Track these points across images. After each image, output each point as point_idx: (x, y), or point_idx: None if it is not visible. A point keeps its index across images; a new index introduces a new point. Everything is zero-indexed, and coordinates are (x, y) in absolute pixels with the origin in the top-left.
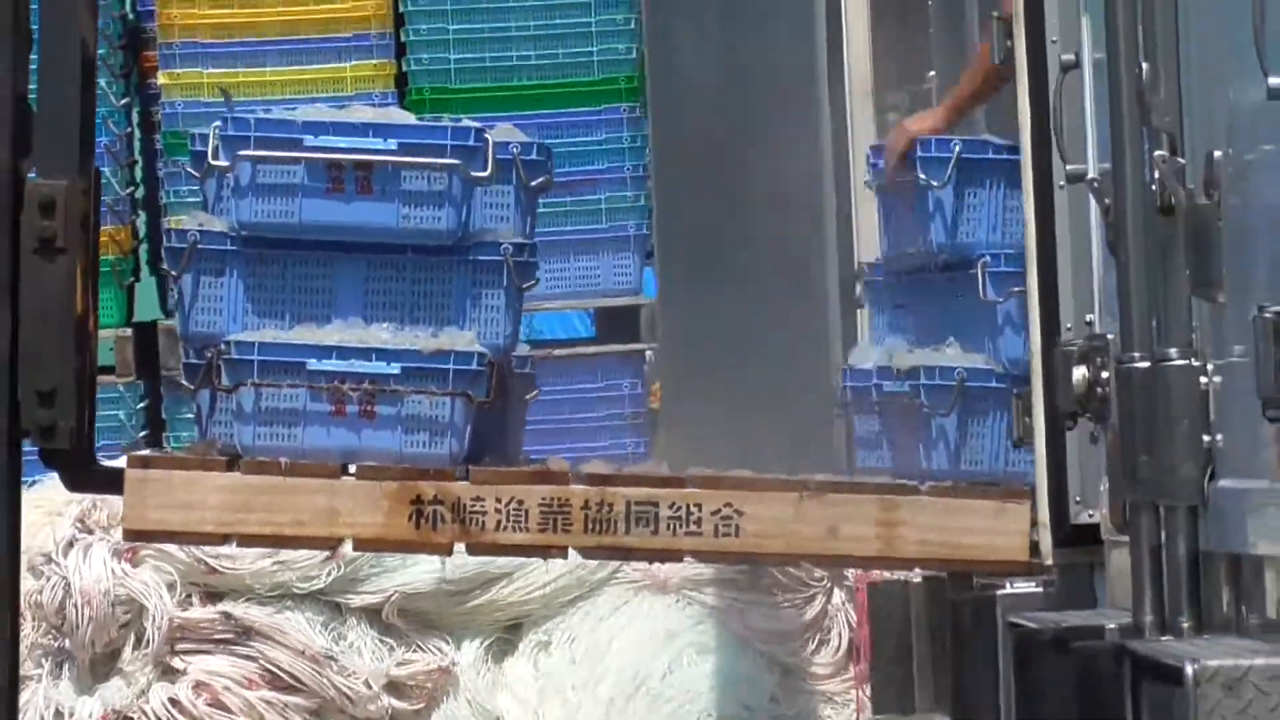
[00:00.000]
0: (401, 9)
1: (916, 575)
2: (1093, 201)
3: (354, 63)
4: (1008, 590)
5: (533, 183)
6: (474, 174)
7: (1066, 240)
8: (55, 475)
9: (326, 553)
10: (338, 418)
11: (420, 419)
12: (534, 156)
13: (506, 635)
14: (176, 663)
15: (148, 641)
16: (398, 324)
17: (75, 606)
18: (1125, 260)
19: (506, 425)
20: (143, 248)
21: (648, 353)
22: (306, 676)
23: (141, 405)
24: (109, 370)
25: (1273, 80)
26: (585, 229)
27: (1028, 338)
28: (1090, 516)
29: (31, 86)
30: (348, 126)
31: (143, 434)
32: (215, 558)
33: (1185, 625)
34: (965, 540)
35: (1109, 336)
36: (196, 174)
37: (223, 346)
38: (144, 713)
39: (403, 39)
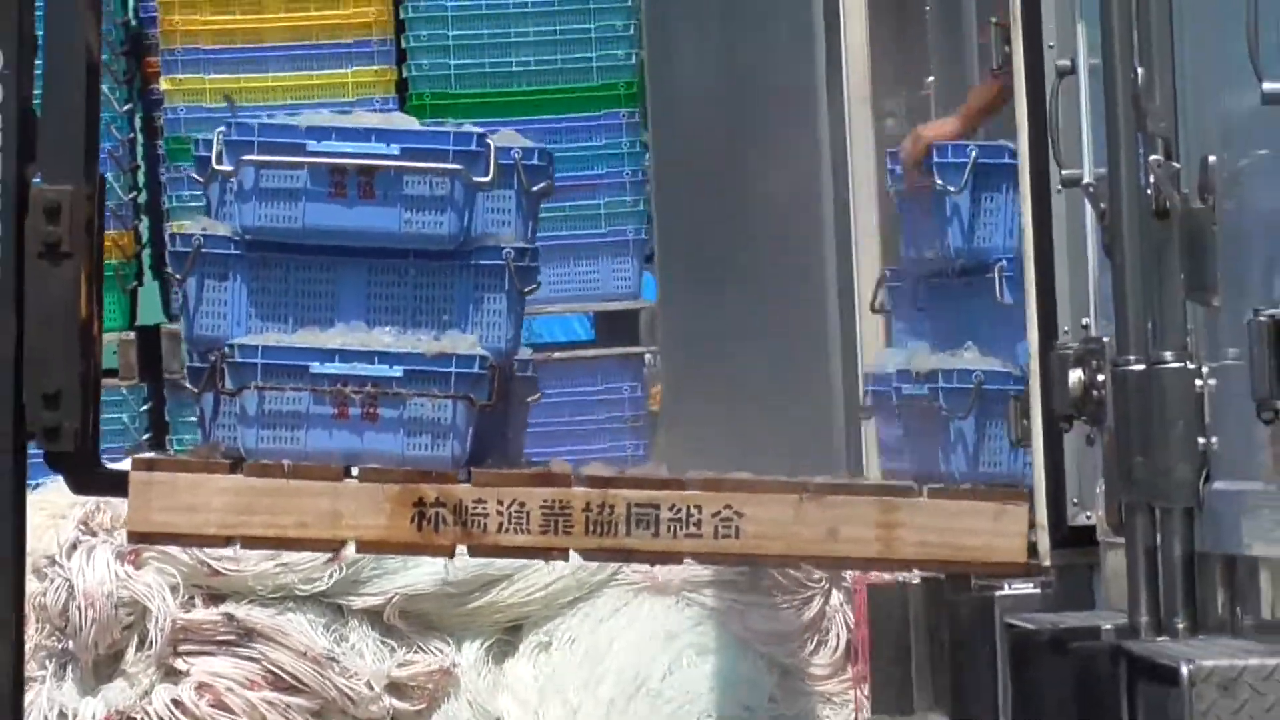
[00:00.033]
0: (402, 15)
1: (915, 577)
2: (1088, 206)
3: (355, 68)
4: (1006, 591)
5: (534, 188)
6: (476, 179)
7: (1063, 244)
8: (59, 478)
9: (329, 555)
10: (340, 420)
11: (422, 422)
12: (535, 161)
13: (507, 636)
14: (179, 664)
15: (151, 643)
16: (400, 327)
17: (79, 608)
18: (1121, 264)
19: (508, 428)
20: (145, 252)
21: (647, 356)
22: (308, 678)
23: (144, 408)
24: (112, 374)
25: (1266, 86)
26: (585, 234)
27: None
28: (1088, 518)
29: (36, 92)
30: (350, 131)
31: (145, 437)
32: (218, 560)
33: (1181, 626)
34: (964, 542)
35: (1105, 339)
36: (200, 179)
37: (226, 350)
38: (147, 714)
39: (403, 45)
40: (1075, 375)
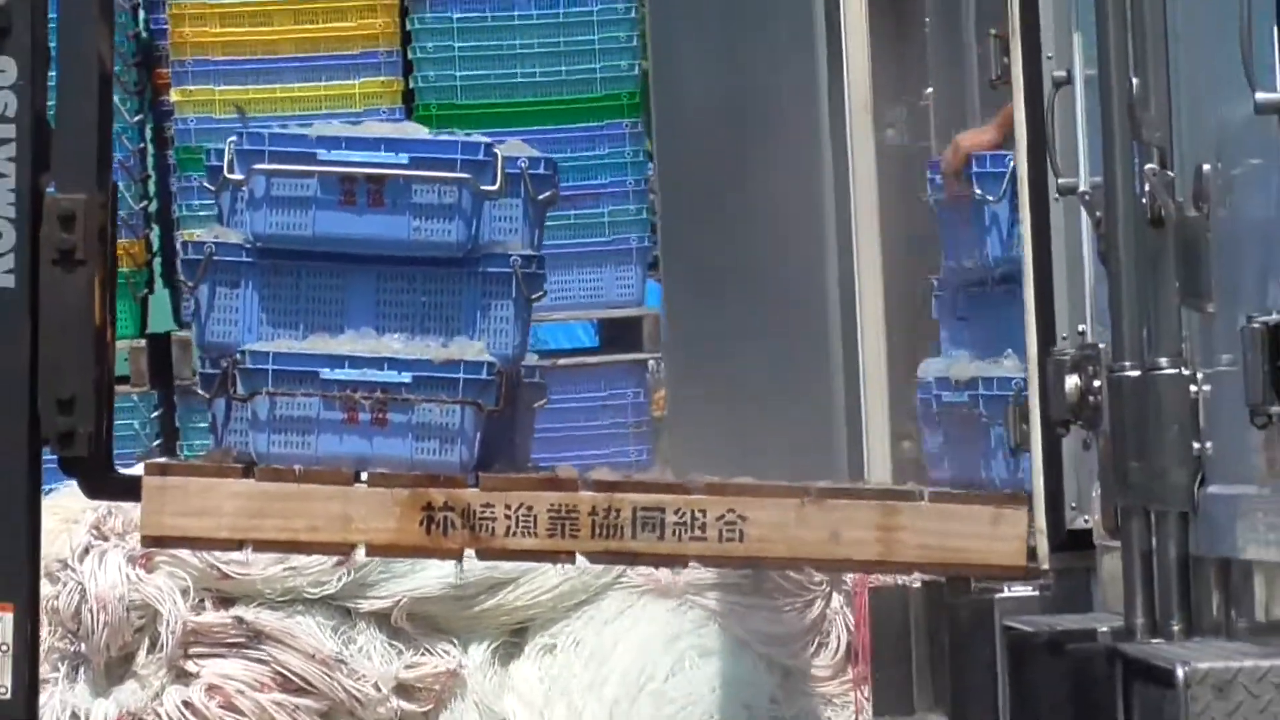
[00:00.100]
0: (409, 27)
1: (916, 579)
2: (1085, 214)
3: (362, 80)
4: (1005, 594)
5: (540, 196)
6: (483, 188)
7: (1060, 252)
8: (71, 483)
9: (339, 558)
10: (350, 426)
11: (431, 427)
12: (541, 170)
13: (513, 639)
14: (190, 666)
15: (162, 645)
16: (409, 334)
17: (91, 611)
18: (1116, 271)
19: (515, 433)
20: (156, 261)
21: (650, 362)
22: (317, 679)
23: (155, 414)
24: (123, 380)
25: (1259, 95)
26: (588, 242)
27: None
28: (1086, 522)
29: (50, 103)
30: (360, 141)
31: (157, 443)
32: (228, 563)
33: (1176, 628)
34: (964, 545)
35: (1101, 346)
36: (212, 187)
37: (238, 356)
38: (158, 715)
39: (410, 56)
40: (1072, 381)
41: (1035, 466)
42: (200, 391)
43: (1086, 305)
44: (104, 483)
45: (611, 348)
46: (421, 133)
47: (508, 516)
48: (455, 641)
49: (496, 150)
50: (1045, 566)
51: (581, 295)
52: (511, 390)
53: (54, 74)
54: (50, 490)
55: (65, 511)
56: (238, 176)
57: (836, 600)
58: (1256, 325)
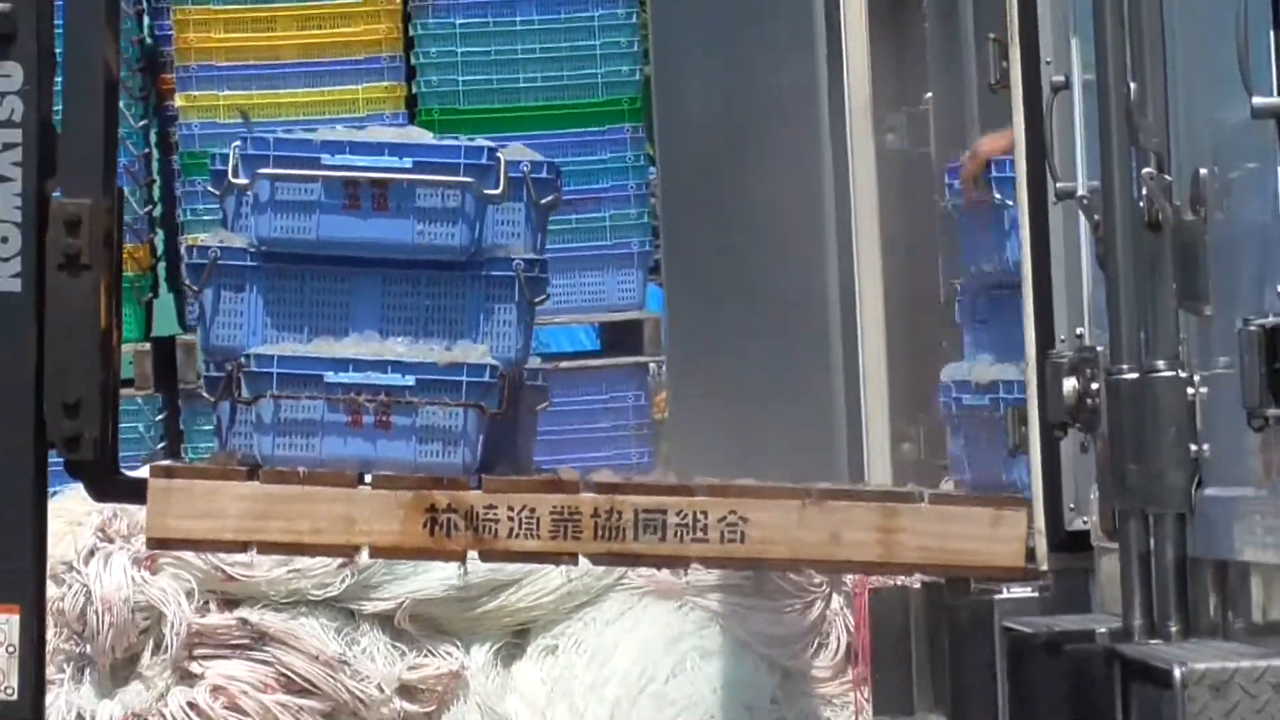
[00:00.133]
0: (412, 33)
1: (916, 581)
2: (1083, 218)
3: (365, 85)
4: (1005, 595)
5: (543, 200)
6: (487, 192)
7: (1059, 255)
8: (77, 486)
9: (343, 560)
10: (354, 428)
11: (434, 429)
12: (544, 175)
13: (515, 640)
14: (194, 667)
15: (166, 647)
16: (413, 337)
17: (96, 613)
18: (1114, 275)
19: (518, 435)
20: (161, 265)
21: (651, 365)
22: (321, 681)
23: (160, 418)
24: (128, 384)
25: (1256, 100)
26: (590, 246)
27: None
28: (1084, 523)
29: (56, 108)
30: (364, 146)
31: (161, 446)
32: (232, 565)
33: (1173, 629)
34: (963, 546)
35: (1099, 348)
36: (216, 192)
37: (243, 359)
38: (163, 716)
39: (413, 61)
40: (1070, 384)
41: (1034, 468)
42: (205, 395)
43: (1085, 308)
44: (109, 485)
45: (613, 351)
46: (425, 137)
47: (510, 518)
48: (458, 643)
49: (499, 155)
50: (1044, 568)
51: (583, 299)
52: (514, 393)
53: (60, 79)
54: (55, 493)
55: (70, 514)
56: (242, 181)
57: (836, 601)
58: (1253, 328)
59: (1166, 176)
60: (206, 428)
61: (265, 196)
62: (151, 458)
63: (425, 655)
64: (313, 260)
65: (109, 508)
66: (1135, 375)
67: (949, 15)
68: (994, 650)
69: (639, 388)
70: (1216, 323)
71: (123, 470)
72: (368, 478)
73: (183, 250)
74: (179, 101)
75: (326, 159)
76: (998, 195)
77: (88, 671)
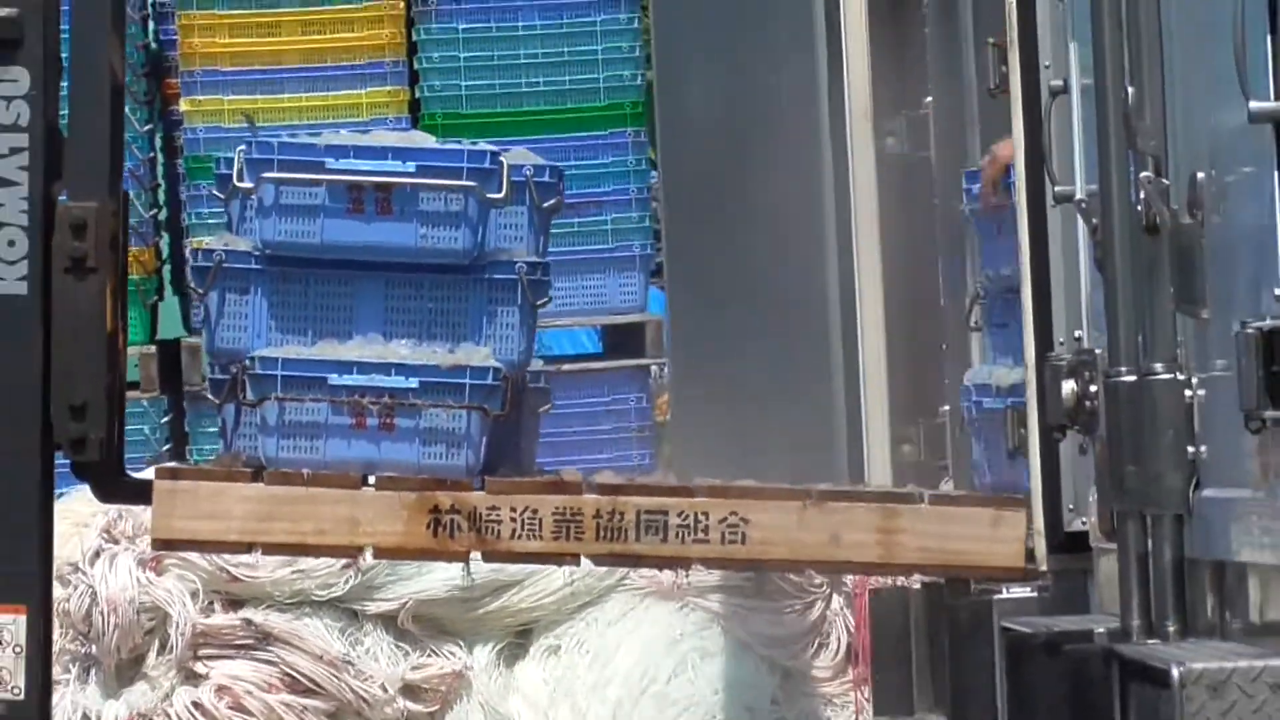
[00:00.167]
0: (415, 38)
1: (916, 581)
2: (1081, 221)
3: (369, 89)
4: (1004, 595)
5: (545, 204)
6: (489, 195)
7: (1058, 259)
8: (82, 488)
9: (345, 561)
10: (358, 430)
11: (438, 431)
12: (546, 179)
13: (518, 640)
14: (199, 667)
15: (171, 647)
16: (416, 340)
17: (101, 614)
18: (1112, 278)
19: (520, 437)
20: (166, 268)
21: (653, 368)
22: (325, 680)
23: (165, 419)
24: (133, 386)
25: (1253, 104)
26: (592, 249)
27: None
28: (1083, 525)
29: (62, 113)
30: (367, 150)
31: (166, 448)
32: (236, 566)
33: (1171, 629)
34: (963, 547)
35: (1097, 351)
36: (221, 195)
37: (247, 362)
38: (168, 716)
39: (416, 66)
40: (1069, 386)
41: (1033, 470)
42: (210, 397)
43: (1083, 311)
44: (116, 487)
45: (615, 353)
46: (428, 141)
47: (513, 519)
48: (461, 643)
49: (502, 158)
50: (1043, 568)
51: (585, 301)
52: (517, 395)
53: (66, 84)
54: (61, 495)
55: (76, 515)
56: (247, 185)
57: (837, 602)
58: (1250, 331)
59: (1164, 180)
60: (211, 430)
61: (270, 200)
62: (157, 459)
63: (428, 655)
64: (317, 264)
65: (114, 509)
66: (1133, 378)
67: (949, 20)
68: (993, 650)
69: (641, 390)
70: (1214, 325)
71: (128, 472)
72: (371, 479)
73: (188, 254)
74: (184, 106)
75: (330, 163)
76: (1015, 199)
77: (93, 672)
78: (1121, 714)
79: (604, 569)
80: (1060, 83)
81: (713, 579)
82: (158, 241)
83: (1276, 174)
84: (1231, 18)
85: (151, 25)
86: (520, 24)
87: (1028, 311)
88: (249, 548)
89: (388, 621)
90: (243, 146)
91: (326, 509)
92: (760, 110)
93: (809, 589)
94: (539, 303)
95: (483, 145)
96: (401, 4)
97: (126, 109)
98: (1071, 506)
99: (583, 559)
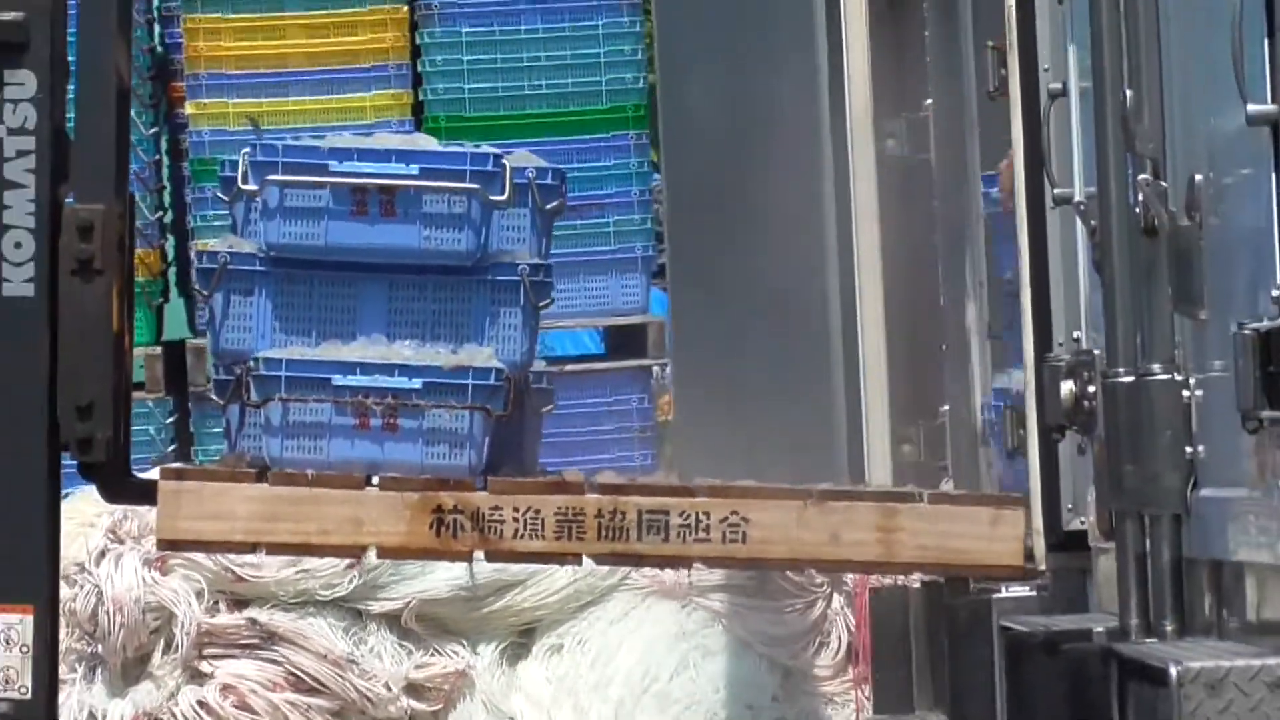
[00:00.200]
0: (418, 41)
1: (915, 581)
2: (1080, 223)
3: (373, 93)
4: (1003, 594)
5: (548, 206)
6: (492, 198)
7: (1057, 260)
8: (88, 488)
9: (349, 561)
10: (362, 431)
11: (441, 432)
12: (549, 181)
13: (520, 639)
14: (204, 666)
15: (177, 646)
16: (419, 341)
17: (107, 613)
18: (1111, 279)
19: (523, 438)
20: (171, 270)
21: (655, 368)
22: (329, 679)
23: (170, 420)
24: (139, 387)
25: (1251, 107)
26: (594, 251)
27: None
28: (1081, 524)
29: (69, 116)
30: (371, 152)
31: (171, 448)
32: (241, 566)
33: (1169, 628)
34: (962, 546)
35: (1095, 352)
36: (226, 198)
37: (252, 363)
38: (173, 715)
39: (419, 70)
40: (1067, 387)
41: (1032, 470)
42: (214, 398)
43: (1082, 312)
44: (122, 487)
45: (617, 354)
46: (431, 144)
47: (516, 519)
48: (464, 642)
49: (505, 161)
50: (1042, 567)
51: (588, 303)
52: (519, 396)
53: (73, 87)
54: (67, 495)
55: (82, 515)
56: (251, 187)
57: (837, 601)
58: (1248, 332)
59: (1162, 182)
60: (217, 430)
61: (274, 203)
62: (162, 460)
63: (432, 654)
64: (320, 265)
65: (120, 509)
66: (1131, 378)
67: (948, 23)
68: (993, 649)
69: (643, 390)
70: (1211, 326)
71: (134, 472)
72: (375, 479)
73: (193, 255)
74: (189, 109)
75: (334, 165)
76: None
77: (99, 671)
78: (1120, 712)
79: (606, 568)
80: (1059, 86)
81: (714, 578)
82: (163, 244)
83: (1274, 176)
84: (1229, 21)
85: (157, 29)
86: (523, 27)
87: (1027, 313)
88: (253, 548)
89: (391, 621)
90: (247, 149)
91: (330, 509)
92: (762, 112)
93: (810, 588)
94: (541, 304)
95: (485, 148)
96: (405, 8)
97: (132, 112)
98: (1070, 506)
99: (585, 558)
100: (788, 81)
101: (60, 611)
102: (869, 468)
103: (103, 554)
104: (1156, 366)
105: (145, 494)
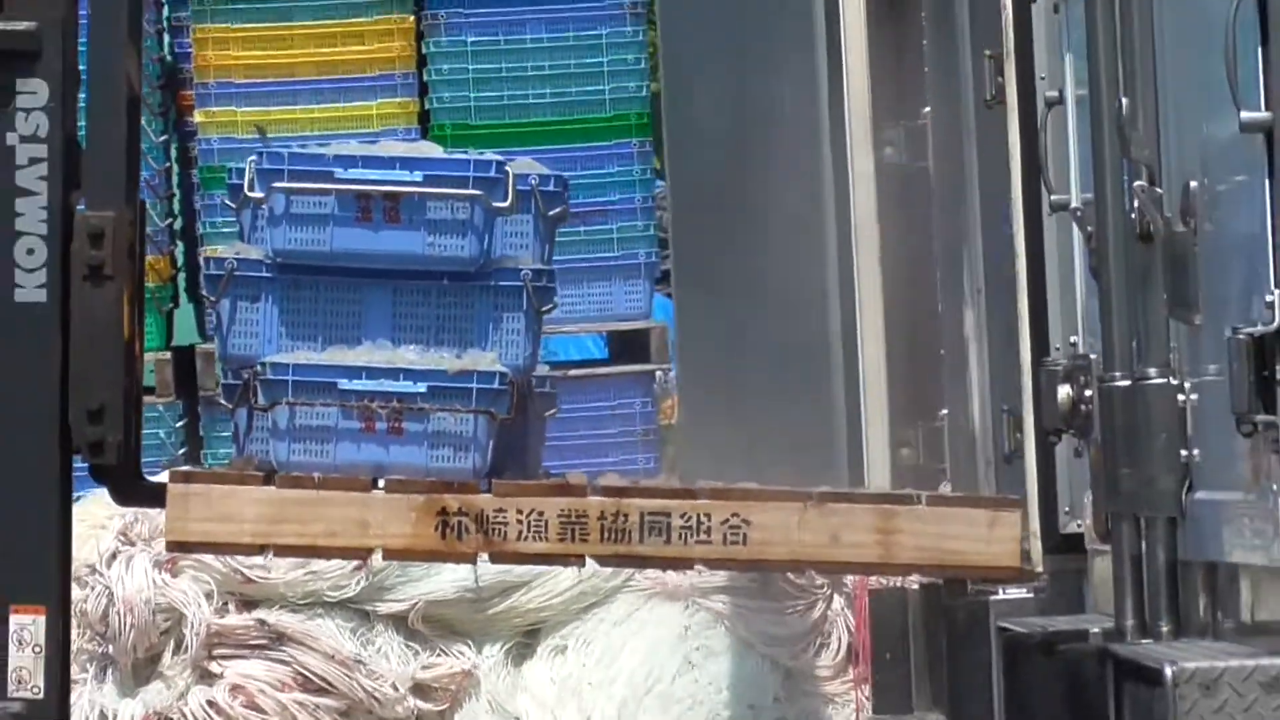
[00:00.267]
0: (424, 50)
1: (914, 583)
2: (1076, 229)
3: (380, 101)
4: (1000, 596)
5: (550, 212)
6: (495, 204)
7: (1053, 266)
8: (99, 491)
9: (356, 562)
10: (368, 434)
11: (445, 435)
12: (552, 188)
13: (525, 640)
14: (214, 667)
15: (186, 647)
16: (424, 345)
17: (118, 614)
18: (1107, 284)
19: (527, 441)
20: (181, 276)
21: (657, 373)
22: (336, 680)
23: (180, 424)
24: (149, 391)
25: (1244, 115)
26: (598, 257)
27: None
28: (1078, 526)
29: (80, 124)
30: (376, 160)
31: (181, 451)
32: (250, 568)
33: (1165, 629)
34: (960, 548)
35: (1092, 356)
36: (233, 205)
37: (259, 367)
38: (183, 714)
39: (426, 79)
40: (1064, 391)
41: (1029, 473)
42: (223, 402)
43: (1078, 317)
44: (132, 490)
45: (620, 359)
46: (436, 152)
47: (519, 521)
48: (470, 643)
49: (508, 168)
50: (1039, 569)
51: (591, 308)
52: (523, 400)
53: (84, 96)
54: (78, 498)
55: (93, 518)
56: (258, 194)
57: (838, 602)
58: (1242, 336)
59: (1158, 189)
60: (225, 434)
61: (280, 210)
62: (172, 463)
63: (438, 655)
64: (326, 271)
65: (131, 512)
66: (1127, 382)
67: (946, 32)
68: (990, 650)
69: (645, 394)
70: (1206, 331)
71: (144, 475)
72: (381, 482)
73: (202, 262)
74: (198, 117)
75: (339, 173)
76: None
77: (110, 671)
78: (1116, 712)
79: (609, 570)
80: (1056, 94)
81: (717, 580)
82: (173, 250)
83: (1267, 183)
84: (1223, 29)
85: (167, 38)
86: (528, 37)
87: (1024, 318)
88: (261, 549)
89: (398, 622)
90: (253, 157)
91: (337, 511)
92: (762, 120)
93: (811, 590)
94: (544, 309)
95: (488, 155)
96: (412, 18)
97: (143, 120)
98: (1067, 509)
99: (588, 560)
100: (788, 90)
101: (72, 612)
102: (868, 471)
103: (114, 556)
104: (1152, 371)
105: (155, 497)
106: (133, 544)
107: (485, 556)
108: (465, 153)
